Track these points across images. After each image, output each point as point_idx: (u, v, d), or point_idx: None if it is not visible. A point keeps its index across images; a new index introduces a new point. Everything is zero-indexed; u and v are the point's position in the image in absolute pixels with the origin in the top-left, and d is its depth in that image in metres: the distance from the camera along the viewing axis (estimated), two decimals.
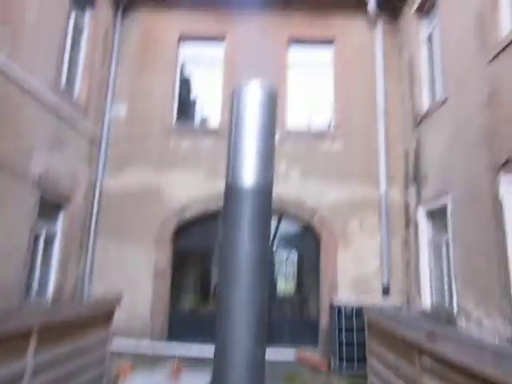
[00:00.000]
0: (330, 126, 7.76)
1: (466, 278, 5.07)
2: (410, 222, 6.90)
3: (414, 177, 6.86)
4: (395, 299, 6.82)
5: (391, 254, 6.98)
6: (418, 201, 6.63)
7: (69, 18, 6.46)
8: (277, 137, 7.38)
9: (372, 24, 7.78)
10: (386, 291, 6.85)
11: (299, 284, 8.10)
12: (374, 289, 6.88)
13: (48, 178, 5.87)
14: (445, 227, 5.80)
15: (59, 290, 6.27)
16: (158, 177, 7.35)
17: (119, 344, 6.01)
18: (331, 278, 6.99)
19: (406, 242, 6.99)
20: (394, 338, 3.84)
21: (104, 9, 7.46)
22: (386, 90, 7.52)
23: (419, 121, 6.76)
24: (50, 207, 6.18)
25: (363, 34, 7.81)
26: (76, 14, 6.75)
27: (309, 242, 7.48)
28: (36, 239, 5.82)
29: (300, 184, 7.26)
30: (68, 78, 6.57)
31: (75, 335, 3.83)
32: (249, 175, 0.95)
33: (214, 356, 0.91)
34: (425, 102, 6.86)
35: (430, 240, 6.43)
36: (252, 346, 0.89)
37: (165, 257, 7.15)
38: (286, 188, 7.10)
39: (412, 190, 6.90)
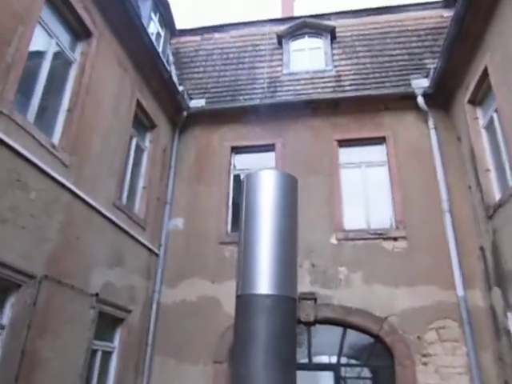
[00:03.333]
0: (391, 224, 7.29)
1: None
2: (500, 332, 5.87)
3: (497, 277, 5.99)
4: None
5: (483, 372, 5.86)
6: (506, 306, 5.68)
7: (131, 142, 7.08)
8: (334, 238, 7.07)
9: (423, 118, 7.66)
10: None
11: None
12: None
13: (107, 292, 5.93)
14: None
15: None
16: (215, 287, 7.17)
17: None
18: None
19: (499, 357, 5.88)
20: None
21: (163, 130, 8.17)
22: (448, 182, 7.08)
23: (492, 212, 6.12)
24: (107, 322, 6.14)
25: (415, 129, 7.67)
26: (137, 138, 7.41)
27: (381, 357, 6.58)
28: (92, 357, 5.69)
29: (364, 290, 6.65)
30: (129, 194, 6.98)
31: None
32: (264, 284, 0.73)
33: None
34: (495, 192, 6.28)
35: None
36: None
37: (222, 378, 6.61)
38: (348, 294, 6.54)
39: (496, 293, 5.98)
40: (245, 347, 0.69)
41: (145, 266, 7.15)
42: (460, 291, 6.32)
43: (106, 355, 6.16)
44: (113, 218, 6.15)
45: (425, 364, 6.10)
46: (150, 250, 7.29)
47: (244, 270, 0.73)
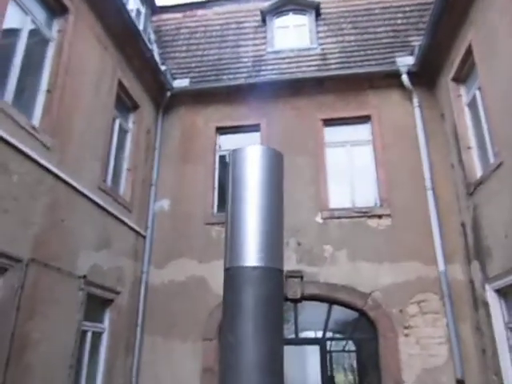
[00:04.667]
0: (375, 202, 7.41)
1: None
2: (478, 303, 6.10)
3: (476, 251, 6.19)
4: None
5: (461, 342, 6.12)
6: (484, 278, 5.89)
7: (114, 123, 6.96)
8: (320, 217, 7.17)
9: (408, 96, 7.70)
10: None
11: (360, 376, 7.26)
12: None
13: (94, 274, 5.94)
14: None
15: None
16: (202, 267, 7.23)
17: None
18: (394, 371, 6.18)
19: (477, 327, 6.13)
20: None
21: (146, 111, 8.05)
22: (431, 159, 7.19)
23: (473, 189, 6.27)
24: (96, 304, 6.18)
25: (399, 107, 7.71)
26: (120, 119, 7.29)
27: (365, 330, 6.80)
28: (82, 338, 5.74)
29: (349, 266, 6.80)
30: (113, 176, 6.91)
31: None
32: (251, 256, 0.77)
33: None
34: (477, 169, 6.41)
35: (507, 323, 5.58)
36: None
37: (212, 354, 6.75)
38: (333, 271, 6.68)
39: (475, 267, 6.19)
40: (233, 317, 0.72)
41: (132, 247, 7.15)
42: (441, 266, 6.52)
43: (97, 336, 6.22)
44: (98, 200, 6.11)
45: (406, 335, 6.33)
46: (136, 232, 7.28)
47: (231, 243, 0.76)
